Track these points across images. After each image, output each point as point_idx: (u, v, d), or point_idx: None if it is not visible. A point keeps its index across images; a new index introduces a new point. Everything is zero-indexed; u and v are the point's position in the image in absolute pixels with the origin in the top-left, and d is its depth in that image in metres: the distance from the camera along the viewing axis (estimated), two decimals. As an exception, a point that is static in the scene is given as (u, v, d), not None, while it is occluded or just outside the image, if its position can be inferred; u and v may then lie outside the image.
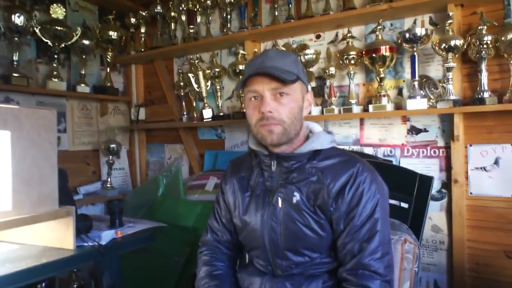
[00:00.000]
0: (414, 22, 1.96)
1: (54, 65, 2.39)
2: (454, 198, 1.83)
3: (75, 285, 2.27)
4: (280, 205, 1.11)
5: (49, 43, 2.31)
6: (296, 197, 1.09)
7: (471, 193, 1.82)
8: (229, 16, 2.45)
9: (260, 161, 1.19)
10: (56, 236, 1.39)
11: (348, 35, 2.03)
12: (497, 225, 1.77)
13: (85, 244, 1.41)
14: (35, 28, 2.24)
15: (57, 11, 2.32)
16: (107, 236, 1.49)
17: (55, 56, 2.38)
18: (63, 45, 2.37)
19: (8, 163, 1.20)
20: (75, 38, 2.40)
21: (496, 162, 1.77)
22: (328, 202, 1.07)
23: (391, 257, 1.07)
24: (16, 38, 2.18)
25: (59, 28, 2.30)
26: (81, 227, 1.44)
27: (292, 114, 1.09)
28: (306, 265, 1.11)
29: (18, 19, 2.13)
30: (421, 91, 1.87)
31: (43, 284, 2.09)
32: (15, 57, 2.19)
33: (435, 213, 1.90)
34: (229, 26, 2.45)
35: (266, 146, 1.15)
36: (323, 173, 1.10)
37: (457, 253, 1.82)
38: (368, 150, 2.08)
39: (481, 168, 1.80)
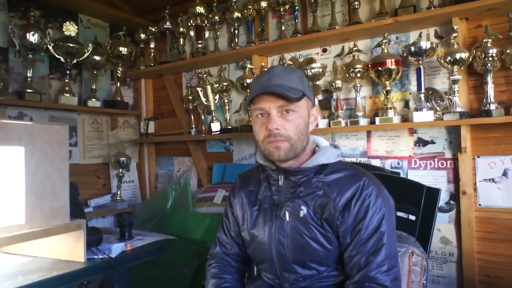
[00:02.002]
0: (420, 36, 1.98)
1: (66, 80, 2.46)
2: (462, 210, 1.82)
3: (85, 298, 2.29)
4: (287, 218, 1.12)
5: (62, 59, 2.38)
6: (303, 211, 1.11)
7: (479, 205, 1.81)
8: (236, 31, 2.50)
9: (267, 176, 1.21)
10: (67, 249, 1.41)
11: (354, 48, 2.05)
12: (507, 237, 1.75)
13: (96, 257, 1.43)
14: (48, 45, 2.31)
15: (70, 29, 2.39)
16: (117, 249, 1.51)
17: (67, 71, 2.45)
18: (75, 61, 2.44)
19: (22, 178, 1.23)
20: (86, 54, 2.47)
21: (505, 173, 1.76)
22: (334, 216, 1.08)
23: (398, 270, 1.08)
24: (30, 55, 2.24)
25: (71, 44, 2.37)
26: (91, 240, 1.46)
27: (298, 130, 1.11)
28: (313, 278, 1.12)
29: (33, 37, 2.20)
30: (428, 104, 1.88)
31: (54, 297, 2.11)
32: (29, 74, 2.26)
33: (444, 225, 1.89)
34: (236, 41, 2.49)
35: (273, 161, 1.16)
36: (329, 187, 1.11)
37: (467, 266, 1.81)
38: (376, 162, 2.08)
39: (490, 179, 1.80)
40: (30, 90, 2.24)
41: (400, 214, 1.52)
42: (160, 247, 1.67)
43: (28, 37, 2.18)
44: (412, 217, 1.56)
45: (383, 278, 1.02)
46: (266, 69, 1.20)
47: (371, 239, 1.05)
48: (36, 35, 2.20)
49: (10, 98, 2.17)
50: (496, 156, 1.78)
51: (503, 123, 1.70)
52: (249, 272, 1.36)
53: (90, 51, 2.48)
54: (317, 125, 2.04)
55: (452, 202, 1.89)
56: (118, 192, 2.72)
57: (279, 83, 1.09)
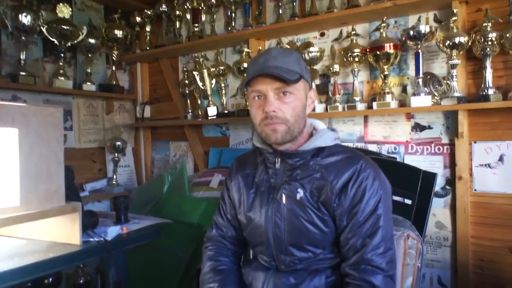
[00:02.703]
0: (419, 20, 1.96)
1: (61, 63, 2.42)
2: (458, 195, 1.83)
3: (81, 281, 2.30)
4: (284, 201, 1.12)
5: (56, 42, 2.34)
6: (300, 193, 1.10)
7: (475, 190, 1.82)
8: (233, 14, 2.46)
9: (264, 159, 1.20)
10: (63, 232, 1.41)
11: (352, 32, 2.03)
12: (501, 221, 1.77)
13: (91, 239, 1.43)
14: (41, 27, 2.26)
15: (63, 11, 2.34)
16: (113, 231, 1.50)
17: (62, 55, 2.41)
18: (69, 44, 2.40)
19: (16, 160, 1.22)
20: (81, 37, 2.43)
21: (501, 159, 1.77)
22: (331, 199, 1.08)
23: (394, 253, 1.08)
24: (23, 37, 2.20)
25: (65, 27, 2.32)
26: (87, 223, 1.46)
27: (295, 112, 1.10)
28: (309, 260, 1.12)
29: (25, 19, 2.16)
30: (425, 88, 1.87)
31: (50, 280, 2.12)
32: (22, 56, 2.22)
33: (439, 210, 1.90)
34: (233, 24, 2.46)
35: (270, 144, 1.16)
36: (326, 170, 1.10)
37: (461, 250, 1.83)
38: (372, 147, 2.08)
39: (486, 165, 1.80)
40: (23, 73, 2.20)
41: (396, 198, 1.52)
42: (156, 230, 1.67)
43: (20, 19, 2.14)
44: (408, 201, 1.56)
45: (378, 260, 1.03)
46: (263, 51, 1.19)
47: (367, 222, 1.05)
48: (29, 17, 2.16)
49: (3, 81, 2.14)
50: (492, 141, 1.78)
51: (501, 108, 1.70)
52: (245, 255, 1.36)
53: (84, 34, 2.44)
54: (314, 110, 2.03)
55: (448, 187, 1.90)
56: (114, 177, 2.71)
57: (276, 65, 1.08)
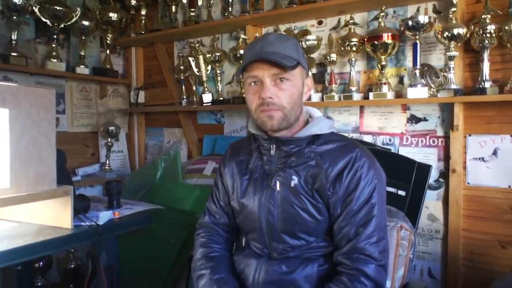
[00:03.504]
0: (418, 10, 1.94)
1: (53, 45, 2.37)
2: (451, 188, 1.83)
3: (72, 265, 2.30)
4: (278, 188, 1.12)
5: (48, 23, 2.29)
6: (294, 180, 1.10)
7: (468, 183, 1.82)
8: (230, 0, 2.42)
9: (259, 145, 1.19)
10: (54, 216, 1.39)
11: (351, 21, 2.01)
12: (493, 215, 1.78)
13: (83, 223, 1.41)
14: (33, 7, 2.21)
15: (57, -10, 2.29)
16: (104, 216, 1.49)
17: (54, 36, 2.36)
18: (62, 26, 2.35)
19: (6, 141, 1.20)
20: (74, 19, 2.38)
21: (495, 153, 1.77)
22: (326, 186, 1.07)
23: (387, 242, 1.08)
24: (14, 17, 2.15)
25: (58, 8, 2.27)
26: (79, 207, 1.44)
27: (292, 99, 1.09)
28: (302, 248, 1.12)
29: (17, -3, 2.10)
30: (422, 80, 1.86)
31: (41, 264, 2.11)
32: (14, 36, 2.17)
33: (432, 202, 1.91)
34: (230, 10, 2.42)
35: (266, 131, 1.14)
36: (321, 157, 1.10)
37: (452, 242, 1.84)
38: (367, 138, 2.08)
39: (480, 158, 1.80)
40: (15, 54, 2.16)
41: (390, 189, 1.53)
42: (148, 216, 1.66)
43: (12, -3, 2.09)
44: (402, 193, 1.57)
45: (371, 249, 1.03)
46: (260, 37, 1.17)
47: (361, 211, 1.05)
48: (20, -5, 2.11)
49: (-6, 61, 2.10)
50: (487, 135, 1.78)
51: (497, 102, 1.69)
52: (237, 242, 1.36)
53: (78, 16, 2.39)
54: (310, 99, 2.03)
55: (441, 180, 1.90)
56: (107, 162, 2.69)
57: (274, 51, 1.06)
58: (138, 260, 2.13)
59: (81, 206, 1.47)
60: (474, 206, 1.82)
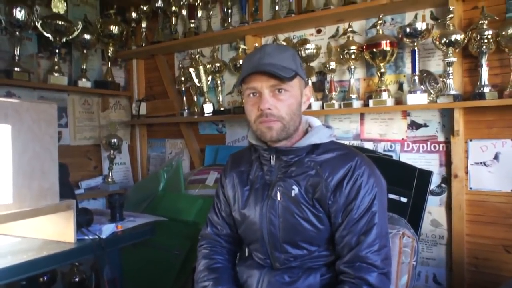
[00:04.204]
0: (415, 17, 1.95)
1: (55, 59, 2.40)
2: (453, 193, 1.83)
3: (76, 279, 2.30)
4: (279, 198, 1.12)
5: (50, 37, 2.32)
6: (295, 190, 1.10)
7: (470, 188, 1.82)
8: (230, 11, 2.45)
9: (259, 156, 1.19)
10: (57, 230, 1.40)
11: (349, 29, 2.02)
12: (496, 219, 1.77)
13: (86, 237, 1.42)
14: (36, 23, 2.24)
15: (58, 6, 2.32)
16: (107, 229, 1.49)
17: (56, 50, 2.40)
18: (64, 40, 2.38)
19: (9, 157, 1.21)
20: (76, 33, 2.41)
21: (496, 157, 1.77)
22: (326, 196, 1.07)
23: (389, 250, 1.08)
24: (17, 33, 2.18)
25: (60, 22, 2.31)
26: (81, 220, 1.45)
27: (291, 110, 1.10)
28: (304, 258, 1.12)
29: (19, 14, 2.14)
30: (422, 86, 1.87)
31: (45, 278, 2.12)
32: (17, 52, 2.20)
33: (434, 208, 1.90)
34: (230, 20, 2.44)
35: (265, 141, 1.15)
36: (321, 166, 1.10)
37: (456, 248, 1.83)
38: (369, 145, 2.08)
39: (481, 163, 1.80)
40: (18, 69, 2.19)
41: (392, 196, 1.52)
42: (151, 228, 1.67)
43: (14, 13, 2.12)
44: (404, 199, 1.57)
45: (373, 257, 1.03)
46: (258, 48, 1.18)
47: (362, 219, 1.05)
48: (23, 11, 2.14)
49: (-3, 77, 2.13)
50: (488, 139, 1.78)
51: (496, 106, 1.70)
52: (240, 253, 1.36)
53: (80, 30, 2.42)
54: (310, 107, 2.03)
55: (443, 185, 1.90)
56: (110, 174, 2.70)
57: (271, 62, 1.07)
58: (142, 272, 2.13)
59: (84, 220, 1.47)
60: (477, 210, 1.81)
